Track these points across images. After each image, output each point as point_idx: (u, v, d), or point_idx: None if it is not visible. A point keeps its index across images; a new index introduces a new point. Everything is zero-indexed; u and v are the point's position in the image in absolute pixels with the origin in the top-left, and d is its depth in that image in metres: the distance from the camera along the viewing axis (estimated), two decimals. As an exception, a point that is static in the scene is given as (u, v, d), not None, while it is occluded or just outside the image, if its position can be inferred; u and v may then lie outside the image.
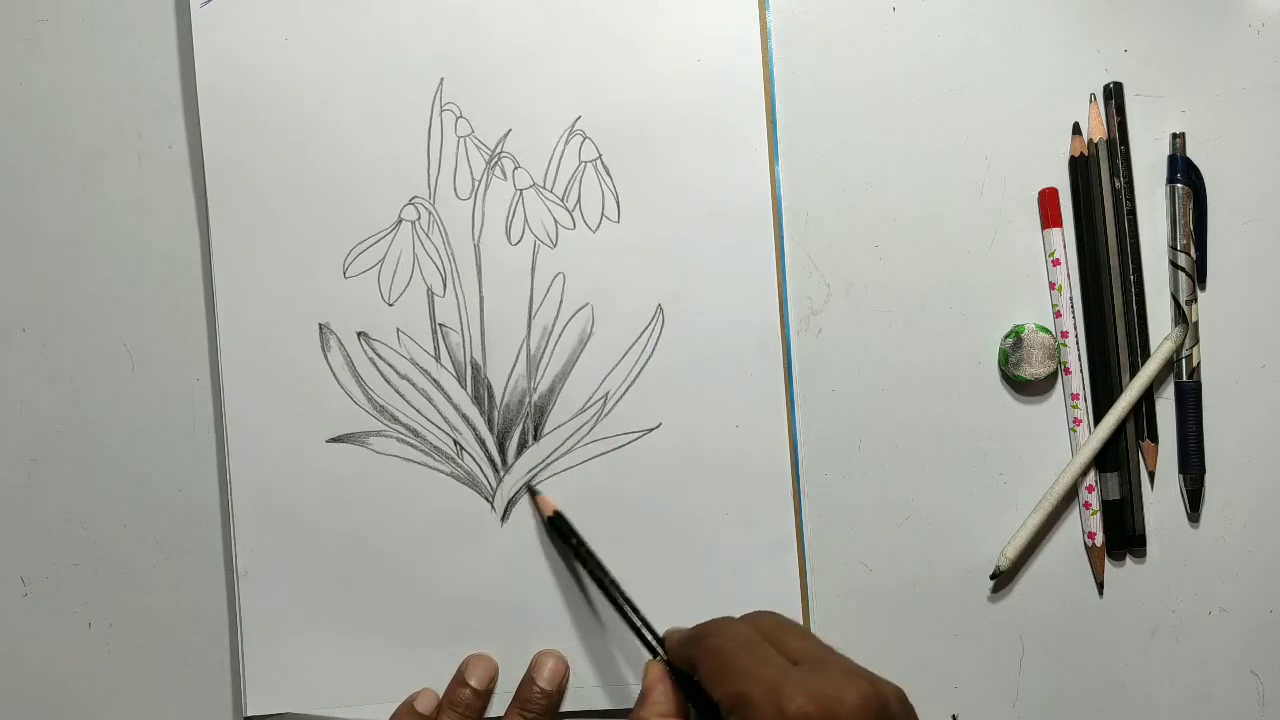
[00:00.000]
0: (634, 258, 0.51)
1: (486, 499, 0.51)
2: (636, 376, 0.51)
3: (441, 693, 0.50)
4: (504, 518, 0.51)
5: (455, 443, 0.51)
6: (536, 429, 0.51)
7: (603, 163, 0.51)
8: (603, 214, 0.51)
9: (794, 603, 0.50)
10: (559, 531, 0.50)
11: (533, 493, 0.51)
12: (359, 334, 0.51)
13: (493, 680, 0.50)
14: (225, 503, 0.51)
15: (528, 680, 0.50)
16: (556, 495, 0.51)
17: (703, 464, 0.50)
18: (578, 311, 0.51)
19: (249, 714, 0.50)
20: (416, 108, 0.51)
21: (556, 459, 0.51)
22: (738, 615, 0.44)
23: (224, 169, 0.50)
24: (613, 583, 0.48)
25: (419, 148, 0.51)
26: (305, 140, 0.51)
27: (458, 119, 0.51)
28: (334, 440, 0.51)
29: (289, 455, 0.50)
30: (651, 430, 0.51)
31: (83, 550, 0.51)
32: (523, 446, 0.51)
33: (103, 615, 0.51)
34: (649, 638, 0.46)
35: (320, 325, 0.51)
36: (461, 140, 0.51)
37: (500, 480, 0.51)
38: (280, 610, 0.50)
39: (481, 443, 0.51)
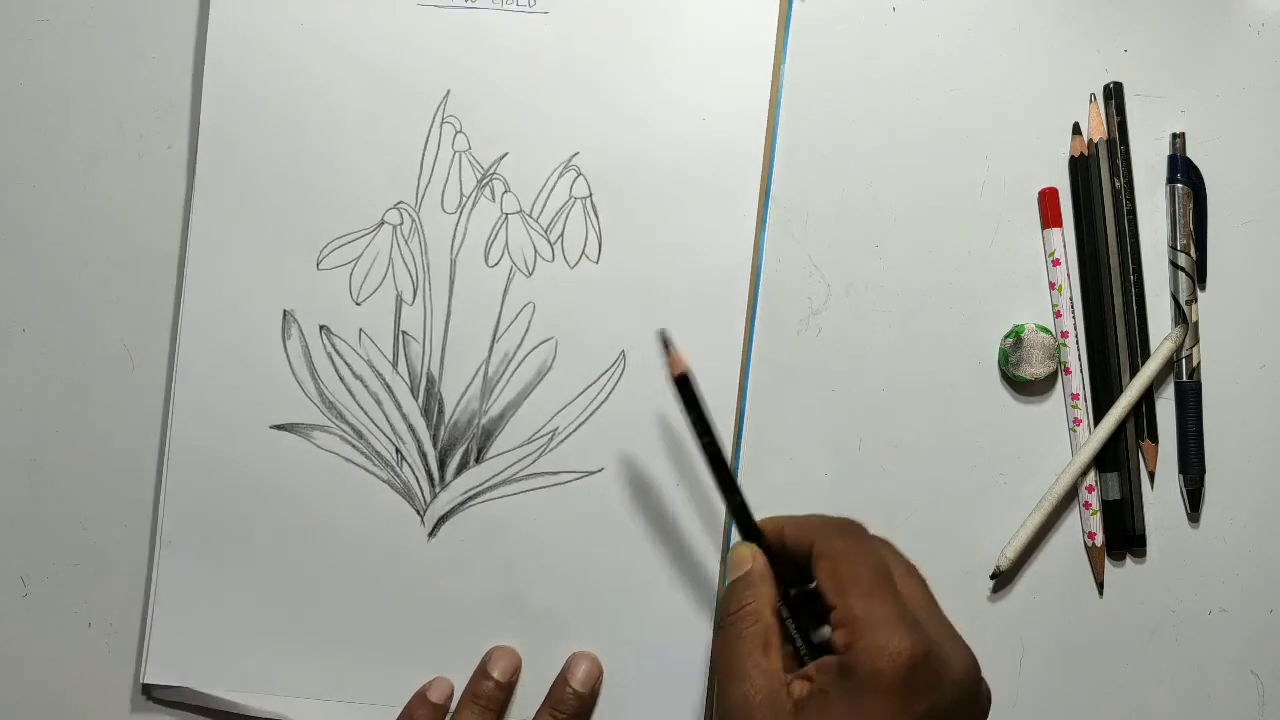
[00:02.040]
0: (606, 300, 0.51)
1: (418, 512, 0.50)
2: (588, 418, 0.51)
3: (437, 686, 0.50)
4: (431, 534, 0.50)
5: (397, 451, 0.51)
6: (480, 451, 0.51)
7: (592, 202, 0.51)
8: (583, 252, 0.51)
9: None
10: (683, 394, 0.46)
11: (666, 344, 0.46)
12: (321, 327, 0.51)
13: (516, 673, 0.50)
14: (160, 470, 0.50)
15: (560, 681, 0.49)
16: (488, 519, 0.50)
17: (639, 515, 0.50)
18: (541, 343, 0.51)
19: (146, 681, 0.50)
20: (418, 114, 0.51)
21: (495, 485, 0.51)
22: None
23: (217, 145, 0.50)
24: (723, 461, 0.46)
25: (414, 154, 0.51)
26: (302, 126, 0.51)
27: (456, 133, 0.51)
28: (277, 427, 0.51)
29: (231, 433, 0.50)
30: (593, 473, 0.50)
31: (83, 550, 0.51)
32: (464, 466, 0.51)
33: (103, 615, 0.51)
34: (749, 525, 0.46)
35: (285, 312, 0.51)
36: (457, 155, 0.51)
37: (435, 496, 0.51)
38: (197, 585, 0.50)
39: (423, 456, 0.51)
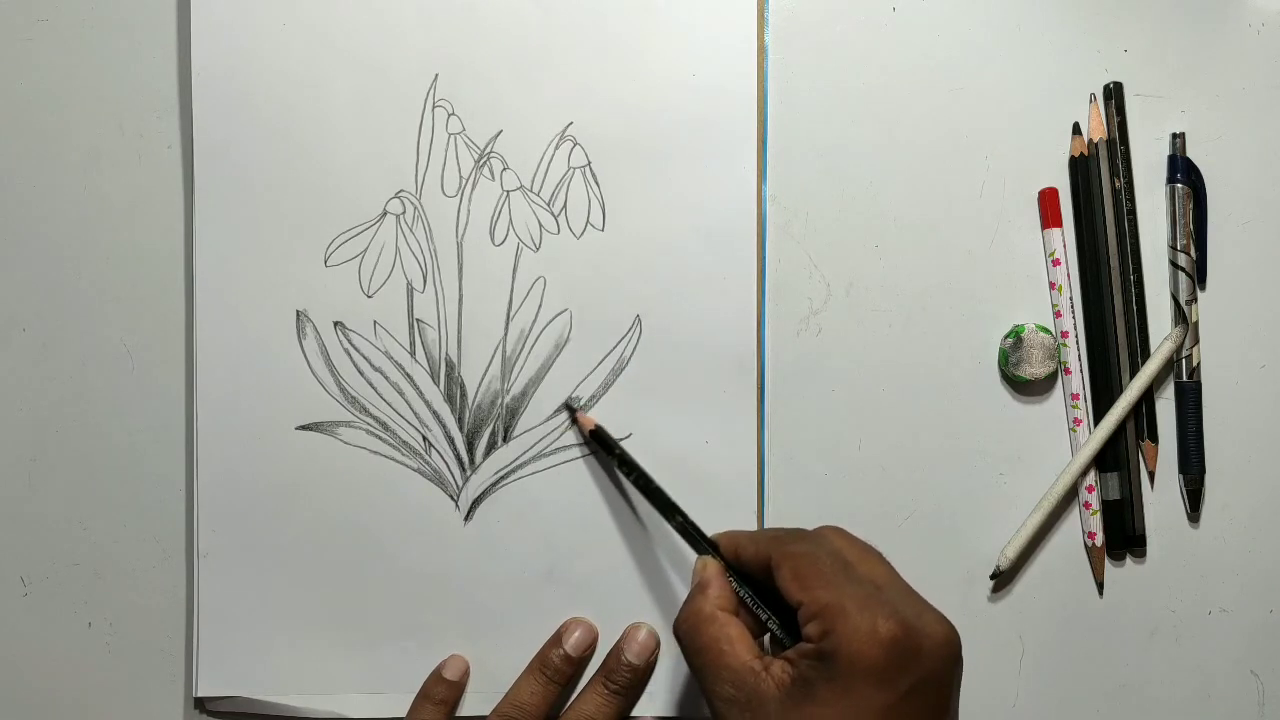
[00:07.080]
0: (616, 267, 0.51)
1: (451, 497, 0.51)
2: (610, 385, 0.51)
3: (452, 664, 0.50)
4: (467, 518, 0.51)
5: (424, 439, 0.51)
6: (507, 431, 0.51)
7: (591, 170, 0.51)
8: (588, 221, 0.51)
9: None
10: (602, 444, 0.50)
11: (571, 410, 0.50)
12: (335, 324, 0.51)
13: (589, 648, 0.49)
14: (190, 483, 0.51)
15: (615, 652, 0.49)
16: (522, 497, 0.51)
17: (670, 476, 0.50)
18: (556, 317, 0.51)
19: (199, 694, 0.50)
20: (409, 102, 0.51)
21: (525, 462, 0.51)
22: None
23: (213, 153, 0.50)
24: (658, 489, 0.48)
25: (409, 142, 0.51)
26: (296, 127, 0.51)
27: (449, 116, 0.51)
28: (303, 428, 0.51)
29: (257, 438, 0.50)
30: (621, 440, 0.50)
31: (83, 550, 0.51)
32: (492, 447, 0.51)
33: (103, 615, 0.51)
34: (699, 539, 0.46)
35: (298, 312, 0.51)
36: (452, 137, 0.51)
37: (467, 480, 0.51)
38: (238, 594, 0.50)
39: (450, 441, 0.51)
